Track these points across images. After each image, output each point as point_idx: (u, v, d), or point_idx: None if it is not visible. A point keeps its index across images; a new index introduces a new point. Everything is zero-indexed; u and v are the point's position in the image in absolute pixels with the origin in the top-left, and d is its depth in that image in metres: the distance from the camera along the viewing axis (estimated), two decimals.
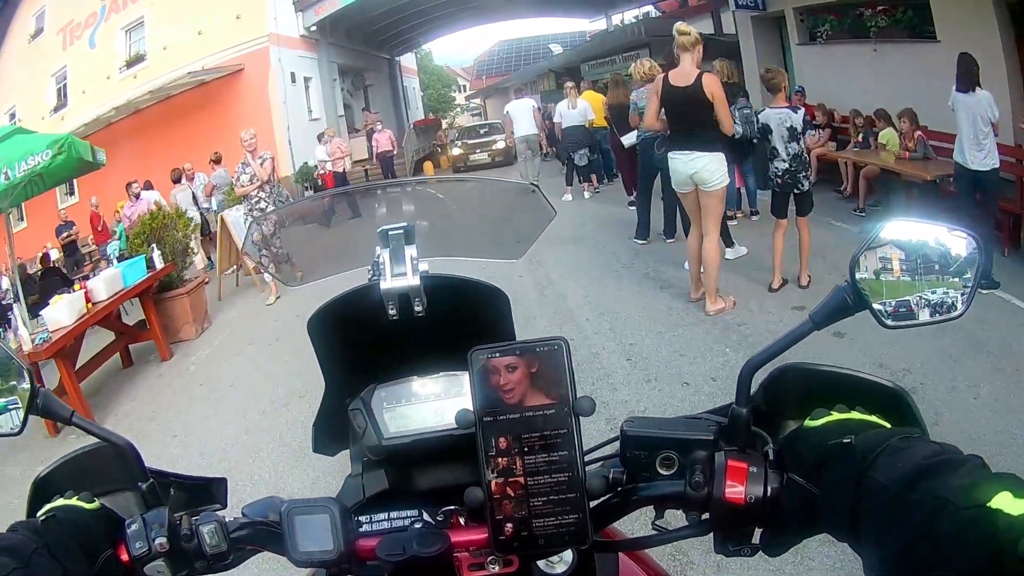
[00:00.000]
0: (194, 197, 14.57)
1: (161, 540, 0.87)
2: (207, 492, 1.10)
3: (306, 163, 18.10)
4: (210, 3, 19.95)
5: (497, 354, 0.83)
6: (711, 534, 0.83)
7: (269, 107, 19.41)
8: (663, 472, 0.84)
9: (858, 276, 0.79)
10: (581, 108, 12.57)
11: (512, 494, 0.81)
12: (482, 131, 25.78)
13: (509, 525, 0.82)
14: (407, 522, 0.96)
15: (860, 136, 10.31)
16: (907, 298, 0.80)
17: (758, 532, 0.81)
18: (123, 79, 20.38)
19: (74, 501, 0.91)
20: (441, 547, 0.88)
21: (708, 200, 5.93)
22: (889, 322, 0.80)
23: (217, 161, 14.91)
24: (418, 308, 1.09)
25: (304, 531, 0.89)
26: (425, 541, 0.88)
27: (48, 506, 0.91)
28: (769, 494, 0.76)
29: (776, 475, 0.77)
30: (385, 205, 1.67)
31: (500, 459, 0.82)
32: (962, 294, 0.78)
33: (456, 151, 24.05)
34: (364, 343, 1.19)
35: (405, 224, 1.11)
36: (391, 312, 1.09)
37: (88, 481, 0.97)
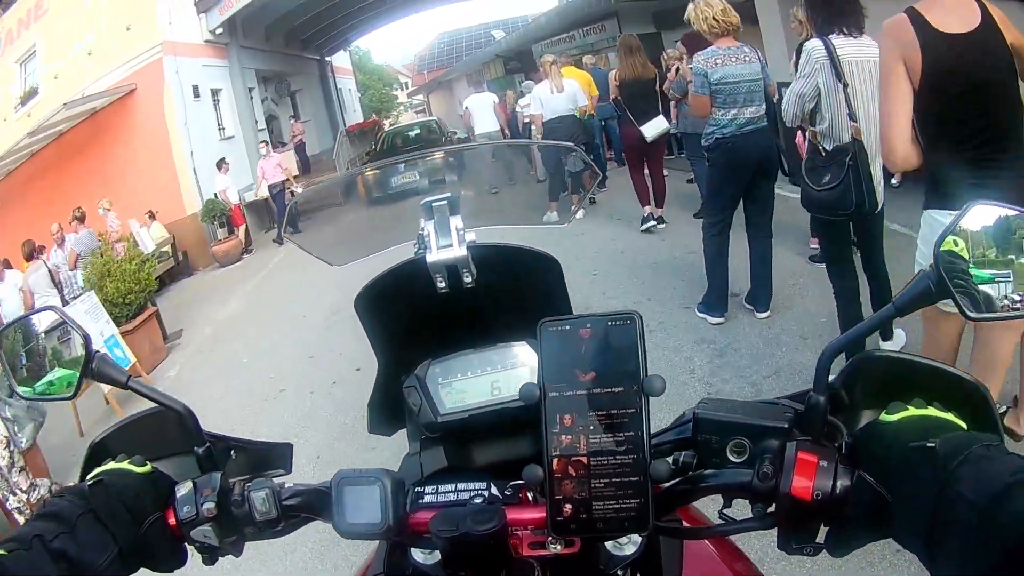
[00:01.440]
0: (52, 277, 10.45)
1: (209, 505, 0.87)
2: (271, 457, 1.08)
3: (213, 196, 14.82)
4: (99, 16, 16.54)
5: (567, 326, 0.80)
6: (775, 529, 0.78)
7: (166, 131, 15.98)
8: (733, 459, 0.81)
9: (942, 262, 0.74)
10: (570, 91, 9.05)
11: (573, 474, 0.78)
12: (412, 134, 19.85)
13: (568, 506, 0.78)
14: (471, 495, 0.91)
15: None
16: (991, 287, 0.75)
17: (823, 531, 0.77)
18: (19, 119, 17.03)
19: (125, 465, 0.92)
20: (496, 525, 0.82)
21: None
22: (971, 313, 0.75)
23: (80, 219, 11.67)
24: (467, 279, 1.05)
25: (353, 502, 0.87)
26: (480, 518, 0.83)
27: (98, 470, 0.91)
28: (838, 491, 0.72)
29: (847, 472, 0.73)
30: (427, 176, 1.61)
31: (563, 437, 0.78)
32: None
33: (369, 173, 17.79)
34: (415, 318, 1.14)
35: (448, 195, 1.06)
36: (440, 284, 1.05)
37: (145, 445, 0.97)
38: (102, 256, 8.49)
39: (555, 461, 0.78)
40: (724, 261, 5.19)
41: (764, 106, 4.79)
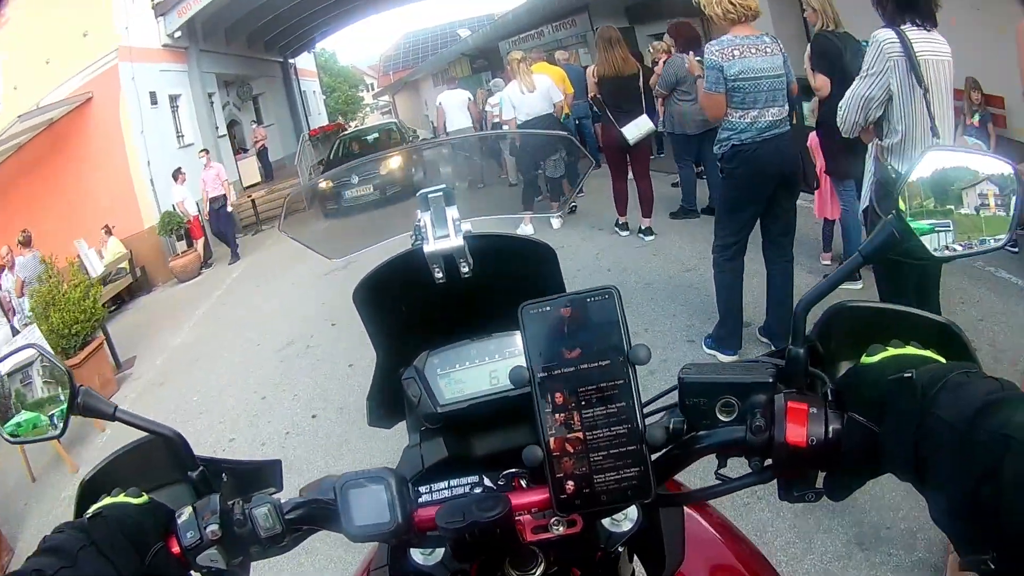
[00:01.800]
0: (1, 305, 9.83)
1: (213, 528, 0.87)
2: (261, 476, 1.08)
3: (171, 208, 14.22)
4: (57, 23, 15.57)
5: (547, 307, 0.82)
6: (774, 481, 0.82)
7: (122, 140, 15.25)
8: (723, 419, 0.82)
9: (902, 207, 0.79)
10: (543, 88, 8.34)
11: (571, 450, 0.80)
12: (370, 138, 18.62)
13: (570, 483, 0.80)
14: (467, 489, 0.92)
15: (976, 118, 6.20)
16: (951, 228, 0.80)
17: (821, 477, 0.80)
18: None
19: (121, 498, 0.91)
20: (501, 511, 0.83)
21: None
22: (936, 253, 0.80)
23: (26, 243, 10.96)
24: (464, 269, 1.07)
25: (360, 505, 0.87)
26: (485, 505, 0.84)
27: (94, 507, 0.91)
28: (831, 435, 0.74)
29: (836, 415, 0.75)
30: (421, 168, 1.63)
31: (557, 415, 0.80)
32: (1007, 223, 0.78)
33: (323, 185, 12.26)
34: (413, 309, 1.15)
35: (444, 186, 1.08)
36: (437, 275, 1.07)
37: (136, 477, 0.97)
38: (50, 282, 7.96)
39: (552, 440, 0.80)
40: (739, 290, 4.52)
41: (787, 107, 4.12)
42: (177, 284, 13.75)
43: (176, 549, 0.88)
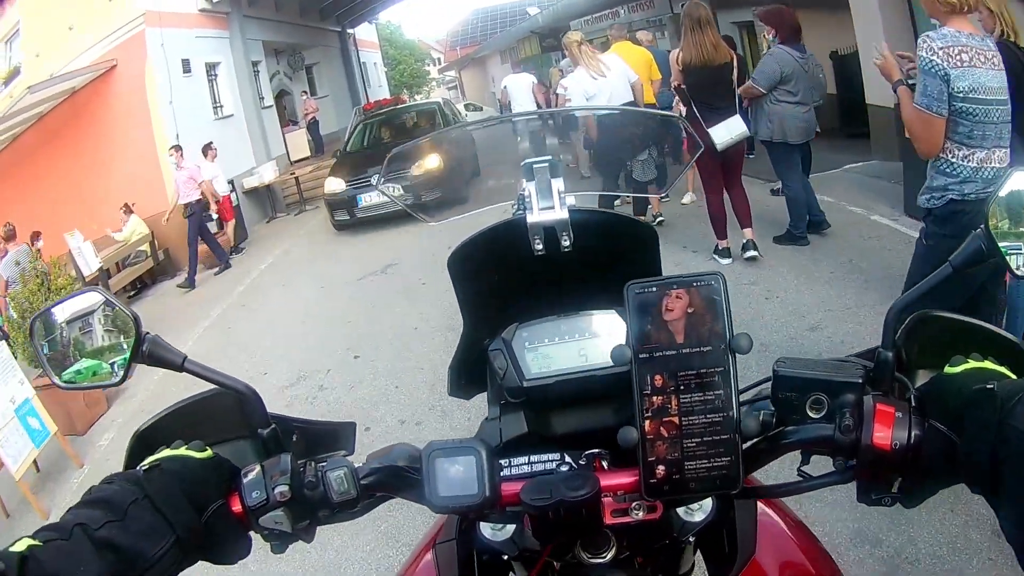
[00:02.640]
0: None
1: (282, 488, 0.84)
2: (333, 438, 1.07)
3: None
4: None
5: (653, 288, 0.80)
6: (853, 483, 0.82)
7: (148, 111, 13.74)
8: (812, 415, 0.82)
9: (991, 223, 0.79)
10: (618, 71, 6.69)
11: (665, 435, 0.79)
12: (407, 122, 15.31)
13: (661, 468, 0.79)
14: (548, 466, 0.89)
15: None
16: None
17: (896, 482, 0.79)
18: (1, 100, 14.86)
19: (182, 451, 0.87)
20: (590, 491, 0.80)
21: None
22: (1020, 272, 0.80)
23: (8, 237, 9.72)
24: (565, 243, 1.01)
25: (446, 475, 0.84)
26: (573, 484, 0.81)
27: (152, 457, 0.86)
28: (912, 441, 0.75)
29: (918, 422, 0.75)
30: (527, 138, 1.58)
31: (655, 398, 0.79)
32: None
33: (333, 186, 12.14)
34: (505, 280, 1.11)
35: (550, 157, 1.04)
36: (537, 247, 1.01)
37: (195, 432, 0.93)
38: (29, 285, 6.78)
39: (647, 423, 0.78)
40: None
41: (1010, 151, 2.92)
42: (203, 270, 12.28)
43: (238, 508, 0.84)
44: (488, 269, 1.10)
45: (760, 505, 1.11)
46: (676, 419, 0.78)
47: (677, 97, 6.25)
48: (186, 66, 14.86)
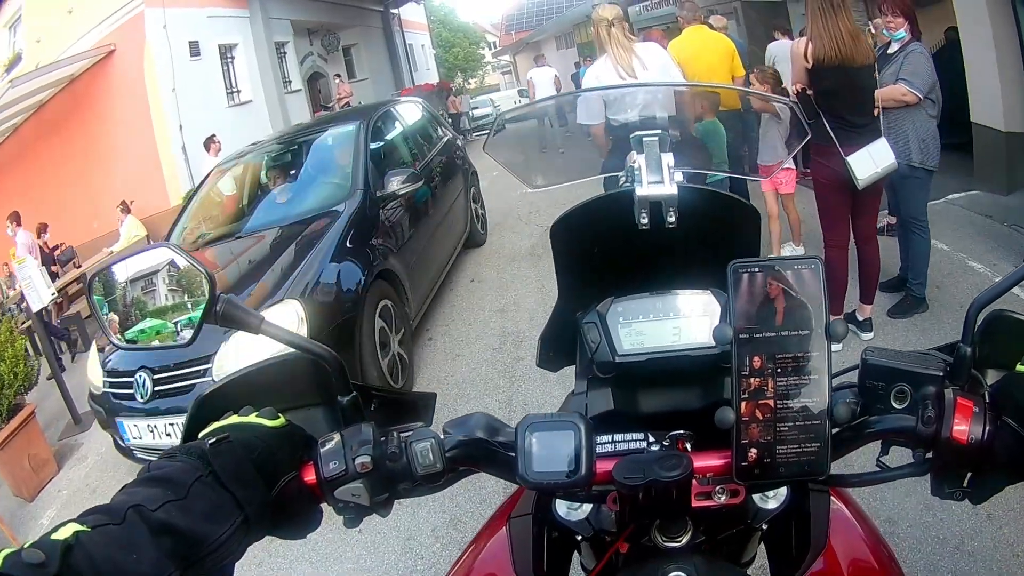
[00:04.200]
0: None
1: (363, 459, 0.80)
2: (410, 408, 1.02)
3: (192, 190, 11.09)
4: None
5: (756, 269, 0.77)
6: (927, 476, 0.82)
7: (146, 99, 12.06)
8: (896, 405, 0.79)
9: None
10: (659, 67, 4.47)
11: (760, 417, 0.76)
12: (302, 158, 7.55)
13: (753, 451, 0.77)
14: (634, 446, 0.87)
15: None
16: None
17: (966, 476, 0.79)
18: (2, 87, 13.48)
19: (252, 418, 0.82)
20: (683, 472, 0.77)
21: None
22: None
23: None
24: (671, 219, 0.97)
25: (543, 450, 0.80)
26: (667, 464, 0.78)
27: (218, 424, 0.82)
28: (985, 437, 0.74)
29: (992, 417, 0.75)
30: (628, 107, 1.62)
31: (752, 380, 0.76)
32: None
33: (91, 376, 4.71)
34: (604, 253, 1.08)
35: (660, 131, 1.01)
36: (642, 221, 0.97)
37: (264, 398, 0.88)
38: None
39: (744, 405, 0.76)
40: None
41: None
42: None
43: (311, 478, 0.81)
44: (589, 240, 1.06)
45: (832, 499, 1.04)
46: (771, 402, 0.76)
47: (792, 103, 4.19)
48: (194, 49, 13.27)
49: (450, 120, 21.60)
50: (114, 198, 11.04)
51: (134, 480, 0.71)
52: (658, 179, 0.97)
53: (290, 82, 16.70)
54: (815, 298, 0.76)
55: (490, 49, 57.49)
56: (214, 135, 11.38)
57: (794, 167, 4.95)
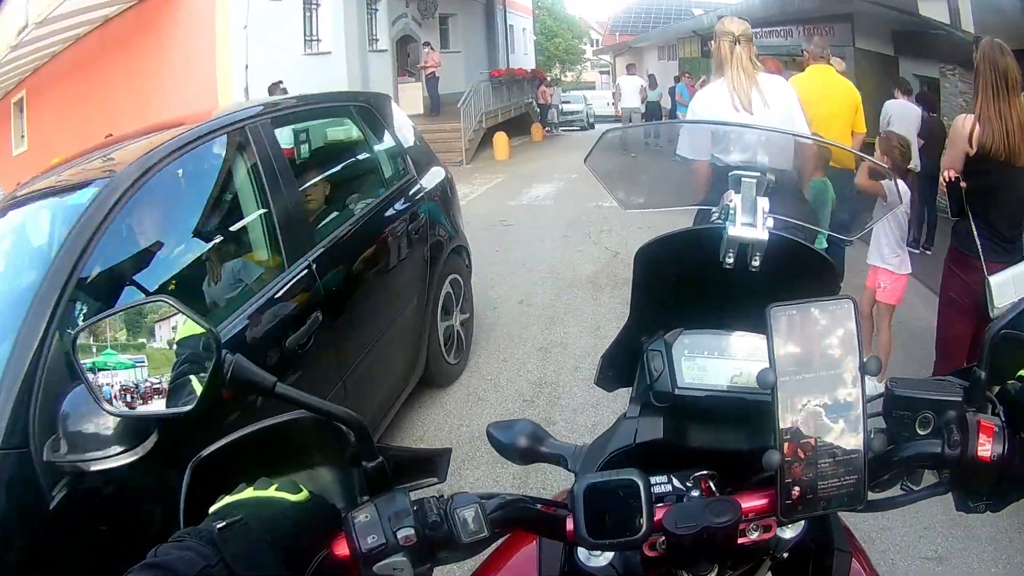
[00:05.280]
0: None
1: (407, 532, 0.73)
2: (422, 465, 0.92)
3: None
4: None
5: (794, 311, 0.78)
6: (949, 494, 0.84)
7: (213, 33, 10.86)
8: (920, 432, 0.82)
9: None
10: (783, 110, 3.43)
11: (802, 456, 0.76)
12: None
13: (796, 488, 0.76)
14: (660, 489, 0.86)
15: None
16: None
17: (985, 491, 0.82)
18: None
19: (272, 492, 0.72)
20: (733, 516, 0.78)
21: None
22: None
23: None
24: (755, 263, 1.00)
25: (603, 511, 0.76)
26: (716, 510, 0.78)
27: (231, 498, 0.72)
28: (1006, 453, 0.77)
29: (1010, 435, 0.78)
30: (738, 148, 1.53)
31: (794, 419, 0.76)
32: None
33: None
34: (685, 285, 1.08)
35: (759, 173, 1.04)
36: (728, 260, 1.00)
37: (273, 461, 0.81)
38: None
39: (786, 445, 0.76)
40: None
41: None
42: None
43: (343, 552, 0.73)
44: (671, 269, 1.07)
45: (853, 561, 1.02)
46: (812, 440, 0.76)
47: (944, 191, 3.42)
48: None
49: (538, 111, 20.39)
50: None
51: (135, 566, 0.60)
52: (751, 222, 0.98)
53: (376, 40, 15.63)
54: (850, 336, 0.76)
55: (592, 46, 56.86)
56: (281, 81, 10.23)
57: (904, 271, 3.90)
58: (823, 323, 0.77)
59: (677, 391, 0.99)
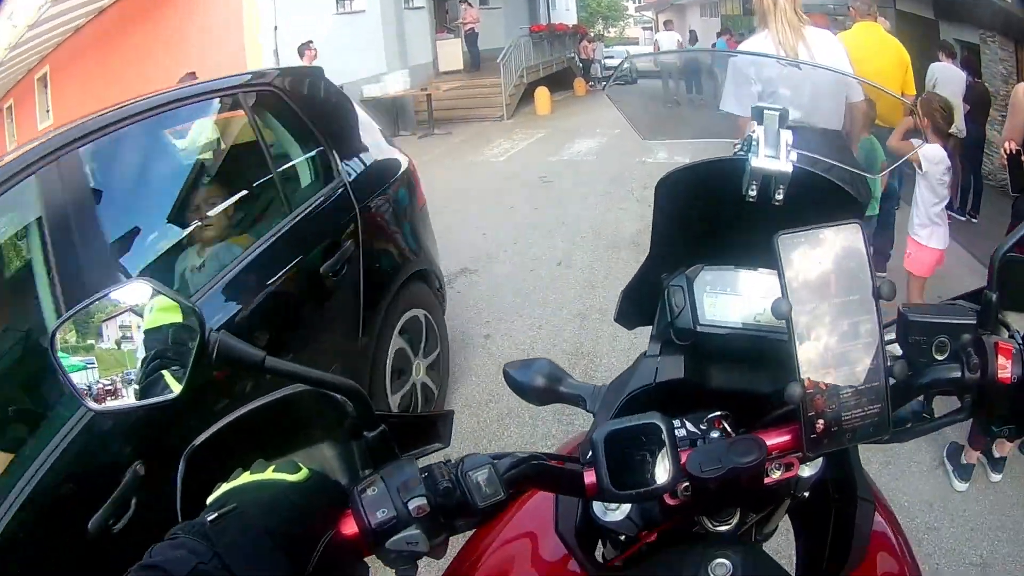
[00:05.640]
0: None
1: (419, 502, 0.68)
2: (426, 431, 0.92)
3: None
4: None
5: (802, 238, 0.75)
6: (970, 420, 0.82)
7: None
8: (938, 356, 0.81)
9: None
10: (831, 64, 3.02)
11: (824, 387, 0.74)
12: None
13: (820, 421, 0.74)
14: (678, 433, 0.81)
15: None
16: None
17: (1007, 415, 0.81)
18: None
19: (270, 474, 0.68)
20: (759, 455, 0.75)
21: None
22: None
23: None
24: (778, 196, 0.93)
25: (627, 460, 0.73)
26: (740, 450, 0.75)
27: (228, 485, 0.68)
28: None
29: None
30: (762, 83, 1.47)
31: (812, 350, 0.74)
32: None
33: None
34: (707, 218, 1.02)
35: (782, 107, 0.97)
36: (750, 192, 0.93)
37: (266, 441, 0.79)
38: None
39: (806, 378, 0.73)
40: None
41: None
42: None
43: (351, 531, 0.68)
44: (693, 202, 1.01)
45: (877, 515, 0.98)
46: (832, 371, 0.74)
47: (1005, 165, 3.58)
48: None
49: (580, 66, 19.78)
50: None
51: (132, 568, 0.57)
52: (774, 154, 0.94)
53: None
54: (860, 261, 0.75)
55: (635, 2, 55.82)
56: (311, 41, 9.86)
57: (940, 246, 3.71)
58: (833, 248, 0.75)
59: (699, 328, 0.95)
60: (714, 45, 17.25)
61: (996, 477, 3.23)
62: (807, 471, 0.84)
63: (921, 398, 0.85)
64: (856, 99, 2.98)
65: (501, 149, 11.03)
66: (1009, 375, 0.76)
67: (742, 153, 0.97)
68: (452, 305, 4.67)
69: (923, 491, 2.99)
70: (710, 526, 0.85)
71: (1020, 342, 0.78)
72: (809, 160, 1.05)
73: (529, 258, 5.78)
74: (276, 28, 10.25)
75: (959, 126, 5.85)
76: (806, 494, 0.87)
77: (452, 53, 15.89)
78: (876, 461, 3.04)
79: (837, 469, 0.90)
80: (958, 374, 0.78)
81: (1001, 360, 0.76)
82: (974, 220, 6.42)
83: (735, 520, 0.86)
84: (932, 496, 2.96)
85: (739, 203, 0.94)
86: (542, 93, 14.68)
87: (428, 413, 0.84)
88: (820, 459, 0.84)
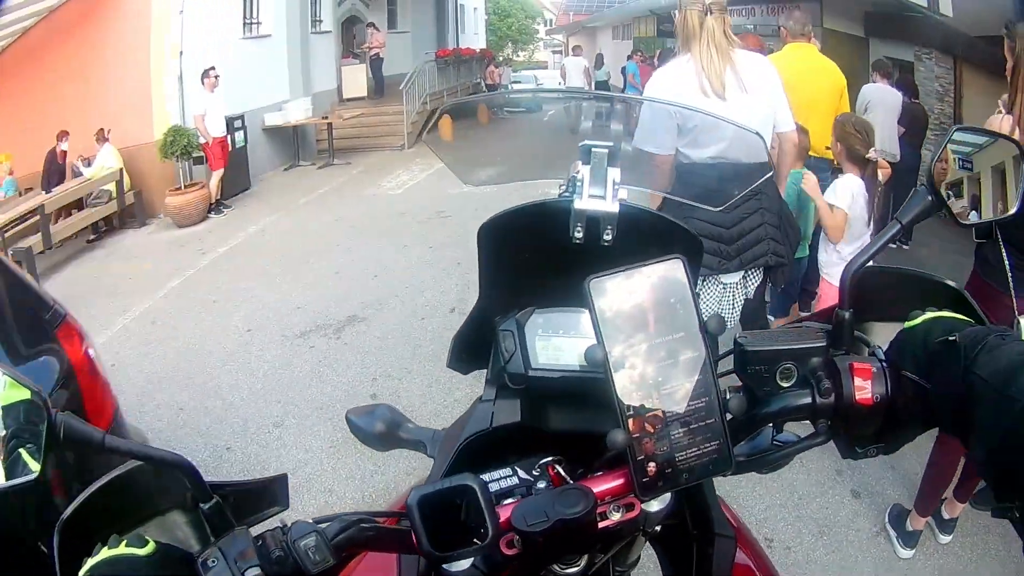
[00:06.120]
0: None
1: (255, 572, 0.70)
2: (263, 496, 0.88)
3: (176, 126, 9.82)
4: None
5: (617, 279, 0.73)
6: (832, 442, 0.82)
7: (148, 17, 10.51)
8: (783, 384, 0.80)
9: (935, 177, 0.83)
10: (762, 95, 2.90)
11: (652, 430, 0.72)
12: None
13: (652, 464, 0.72)
14: (504, 484, 0.81)
15: None
16: (976, 196, 0.86)
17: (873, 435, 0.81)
18: None
19: (122, 549, 0.70)
20: (587, 505, 0.73)
21: None
22: (961, 221, 0.86)
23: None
24: (607, 236, 0.93)
25: (441, 522, 0.72)
26: (568, 500, 0.74)
27: (92, 561, 0.70)
28: (889, 393, 0.76)
29: (893, 374, 0.76)
30: (591, 118, 1.42)
31: (635, 394, 0.72)
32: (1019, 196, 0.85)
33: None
34: (532, 262, 1.02)
35: (611, 144, 0.95)
36: (576, 235, 0.93)
37: (124, 511, 0.80)
38: None
39: (631, 421, 0.72)
40: None
41: None
42: (175, 228, 9.43)
43: None
44: (518, 245, 1.00)
45: (739, 551, 0.98)
46: (660, 412, 0.72)
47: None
48: None
49: (486, 91, 20.28)
50: (95, 124, 9.74)
51: None
52: (600, 194, 0.92)
53: (320, 22, 15.21)
54: (684, 296, 0.73)
55: (545, 26, 56.19)
56: (212, 67, 10.04)
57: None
58: (652, 287, 0.73)
59: (531, 373, 0.94)
60: (623, 69, 17.77)
61: (945, 539, 2.94)
62: (655, 506, 0.83)
63: (771, 427, 0.85)
64: (785, 129, 2.98)
65: (399, 181, 11.09)
66: (869, 396, 0.75)
67: (567, 195, 0.95)
68: (339, 359, 4.82)
69: (863, 563, 2.80)
70: (558, 570, 0.85)
71: (881, 359, 0.77)
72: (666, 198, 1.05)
73: (421, 304, 5.69)
74: (181, 53, 10.40)
75: (892, 151, 5.75)
76: (658, 528, 0.87)
77: (357, 79, 15.96)
78: (808, 533, 2.92)
79: (691, 502, 0.90)
80: (808, 400, 0.77)
81: (858, 381, 0.75)
82: (905, 247, 6.11)
83: (583, 563, 0.85)
84: (875, 567, 2.79)
85: (567, 245, 0.94)
86: (444, 122, 14.87)
87: (262, 478, 0.80)
88: (667, 497, 0.84)
